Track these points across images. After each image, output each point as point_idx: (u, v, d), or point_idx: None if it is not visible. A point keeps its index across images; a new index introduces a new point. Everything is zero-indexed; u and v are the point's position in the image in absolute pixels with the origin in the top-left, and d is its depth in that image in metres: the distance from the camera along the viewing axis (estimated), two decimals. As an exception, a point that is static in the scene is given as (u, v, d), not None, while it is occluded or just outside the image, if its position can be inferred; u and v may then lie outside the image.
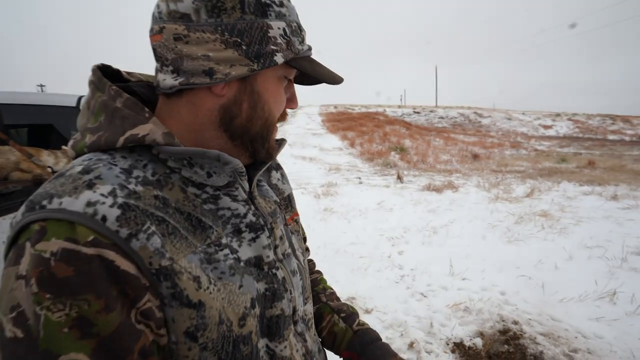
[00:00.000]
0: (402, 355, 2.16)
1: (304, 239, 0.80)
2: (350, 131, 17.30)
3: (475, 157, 12.53)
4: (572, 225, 4.58)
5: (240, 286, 0.49)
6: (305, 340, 0.62)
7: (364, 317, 2.56)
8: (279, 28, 0.51)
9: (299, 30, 0.54)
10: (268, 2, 0.50)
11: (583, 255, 3.67)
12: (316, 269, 0.89)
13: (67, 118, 2.36)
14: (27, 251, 0.39)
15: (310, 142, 14.61)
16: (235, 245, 0.51)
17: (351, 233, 4.48)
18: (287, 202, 0.70)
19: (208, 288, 0.46)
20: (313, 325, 0.69)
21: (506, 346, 2.25)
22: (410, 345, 2.23)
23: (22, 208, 0.42)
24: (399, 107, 34.75)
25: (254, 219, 0.54)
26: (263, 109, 0.54)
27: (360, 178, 8.23)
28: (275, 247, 0.58)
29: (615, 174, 8.87)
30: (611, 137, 24.09)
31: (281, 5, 0.51)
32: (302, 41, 0.55)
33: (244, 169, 0.54)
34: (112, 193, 0.43)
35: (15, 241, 0.41)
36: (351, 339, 0.75)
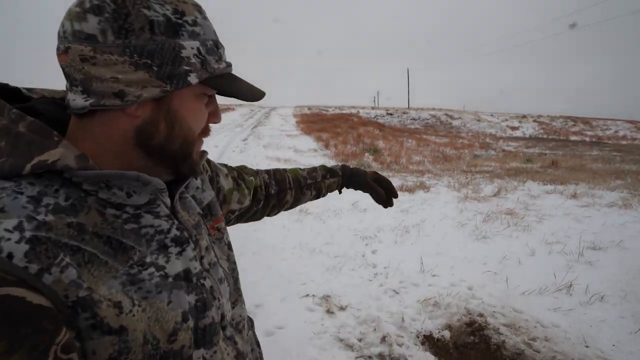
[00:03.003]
0: (374, 348, 2.27)
1: (238, 213, 0.89)
2: (324, 132, 17.42)
3: (447, 158, 12.89)
4: (535, 223, 4.83)
5: (170, 302, 0.49)
6: (235, 343, 0.64)
7: (338, 314, 2.65)
8: (192, 48, 0.50)
9: (215, 48, 0.54)
10: (180, 22, 0.49)
11: (544, 250, 3.89)
12: (281, 170, 1.03)
13: None
14: None
15: (284, 144, 14.62)
16: (162, 261, 0.51)
17: (326, 233, 4.57)
18: (207, 211, 0.68)
19: (131, 311, 0.45)
20: (245, 327, 0.71)
21: (472, 337, 2.39)
22: (383, 339, 2.33)
23: None
24: (372, 108, 35.24)
25: (178, 233, 0.55)
26: (181, 127, 0.54)
27: (335, 179, 8.33)
28: (202, 257, 0.59)
29: (576, 173, 9.36)
30: (573, 138, 25.28)
31: (194, 24, 0.51)
32: (220, 59, 0.54)
33: (164, 186, 0.54)
34: (19, 227, 0.40)
35: None
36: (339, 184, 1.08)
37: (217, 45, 0.54)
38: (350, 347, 2.29)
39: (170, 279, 0.51)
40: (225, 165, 0.89)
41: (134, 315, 0.45)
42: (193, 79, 0.50)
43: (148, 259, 0.50)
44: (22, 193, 0.43)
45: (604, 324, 2.53)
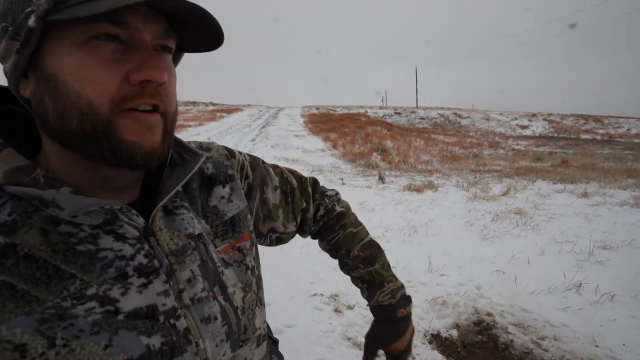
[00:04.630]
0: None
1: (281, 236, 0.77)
2: (332, 132, 17.45)
3: (456, 157, 12.84)
4: (545, 222, 4.80)
5: (108, 346, 0.40)
6: None
7: (346, 313, 2.67)
8: None
9: None
10: None
11: (554, 250, 3.87)
12: (341, 222, 0.85)
13: None
14: None
15: (292, 144, 14.67)
16: (115, 294, 0.42)
17: (334, 233, 4.59)
18: (229, 226, 0.58)
19: (43, 354, 0.37)
20: None
21: (480, 336, 2.39)
22: (391, 338, 2.35)
23: None
24: (380, 108, 35.18)
25: (145, 260, 0.44)
26: (67, 95, 0.39)
27: (342, 179, 8.35)
28: (180, 291, 0.47)
29: (586, 172, 9.26)
30: (584, 136, 24.97)
31: None
32: None
33: (120, 205, 0.43)
34: None
35: None
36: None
37: None
38: (358, 345, 2.30)
39: (121, 317, 0.41)
40: (282, 173, 0.76)
41: (47, 359, 0.37)
42: (32, 21, 0.37)
43: (91, 291, 0.40)
44: None
45: (614, 324, 2.51)
